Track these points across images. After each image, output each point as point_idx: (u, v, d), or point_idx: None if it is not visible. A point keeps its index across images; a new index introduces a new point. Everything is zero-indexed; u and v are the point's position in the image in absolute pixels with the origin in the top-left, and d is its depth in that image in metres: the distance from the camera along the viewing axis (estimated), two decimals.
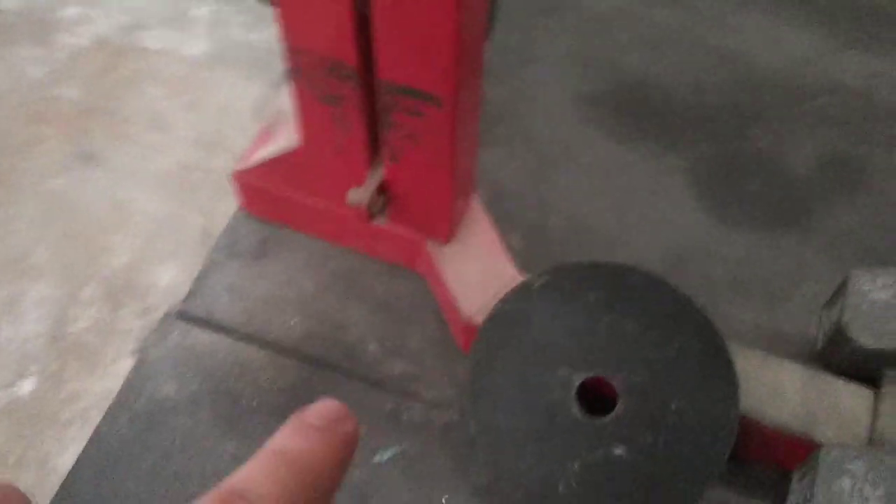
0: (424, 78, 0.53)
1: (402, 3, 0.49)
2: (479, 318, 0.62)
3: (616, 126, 0.83)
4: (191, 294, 0.73)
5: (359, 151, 0.61)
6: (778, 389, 0.58)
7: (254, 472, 0.21)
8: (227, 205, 0.78)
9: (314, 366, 0.67)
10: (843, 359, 0.59)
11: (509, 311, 0.60)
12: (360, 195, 0.61)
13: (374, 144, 0.61)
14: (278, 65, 0.87)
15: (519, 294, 0.61)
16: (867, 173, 0.78)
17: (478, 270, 0.66)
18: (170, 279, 0.72)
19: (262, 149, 0.70)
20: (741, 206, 0.77)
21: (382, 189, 0.63)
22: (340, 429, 0.23)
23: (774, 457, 0.60)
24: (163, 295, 0.70)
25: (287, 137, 0.68)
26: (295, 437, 0.23)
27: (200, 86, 0.89)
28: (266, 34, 0.94)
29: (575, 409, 0.56)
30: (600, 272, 0.60)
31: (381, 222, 0.68)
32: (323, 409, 0.23)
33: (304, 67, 0.57)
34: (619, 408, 0.56)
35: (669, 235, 0.75)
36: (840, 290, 0.63)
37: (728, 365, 0.56)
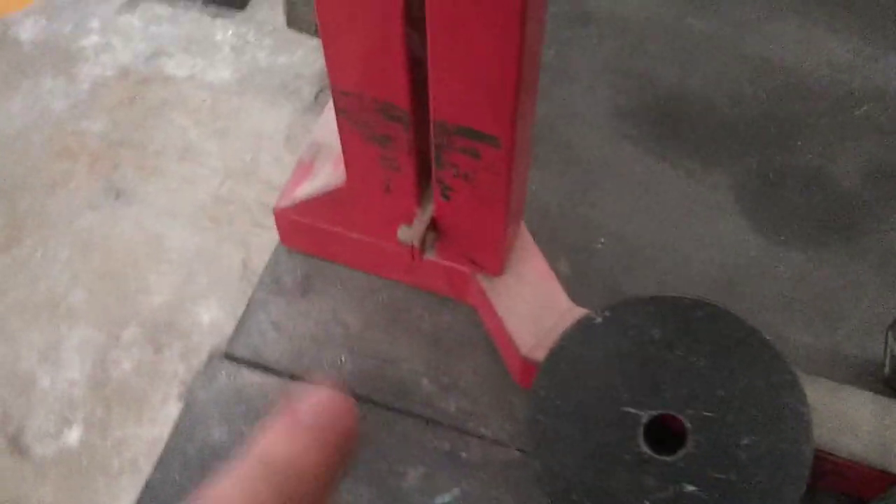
0: (482, 119, 0.51)
1: (462, 46, 0.47)
2: (537, 354, 0.61)
3: (655, 141, 0.81)
4: (236, 333, 0.72)
5: (408, 190, 0.60)
6: (850, 420, 0.56)
7: (227, 487, 0.19)
8: (266, 237, 0.77)
9: (366, 404, 0.66)
10: None
11: (570, 348, 0.59)
12: (410, 234, 0.60)
13: (425, 182, 0.60)
14: (307, 89, 0.86)
15: (580, 330, 0.59)
16: None
17: (531, 303, 0.65)
18: (211, 317, 0.71)
19: (304, 185, 0.69)
20: (788, 221, 0.76)
21: (432, 225, 0.62)
22: (337, 427, 0.21)
23: (848, 489, 0.59)
24: (206, 334, 0.69)
25: (329, 173, 0.67)
26: (282, 440, 0.20)
27: (229, 113, 0.88)
28: (293, 58, 0.93)
29: (643, 447, 0.55)
30: (664, 306, 0.59)
31: (429, 256, 0.66)
32: (318, 403, 0.20)
33: (351, 109, 0.56)
34: (688, 445, 0.54)
35: (718, 255, 0.74)
36: None
37: (800, 398, 0.55)
